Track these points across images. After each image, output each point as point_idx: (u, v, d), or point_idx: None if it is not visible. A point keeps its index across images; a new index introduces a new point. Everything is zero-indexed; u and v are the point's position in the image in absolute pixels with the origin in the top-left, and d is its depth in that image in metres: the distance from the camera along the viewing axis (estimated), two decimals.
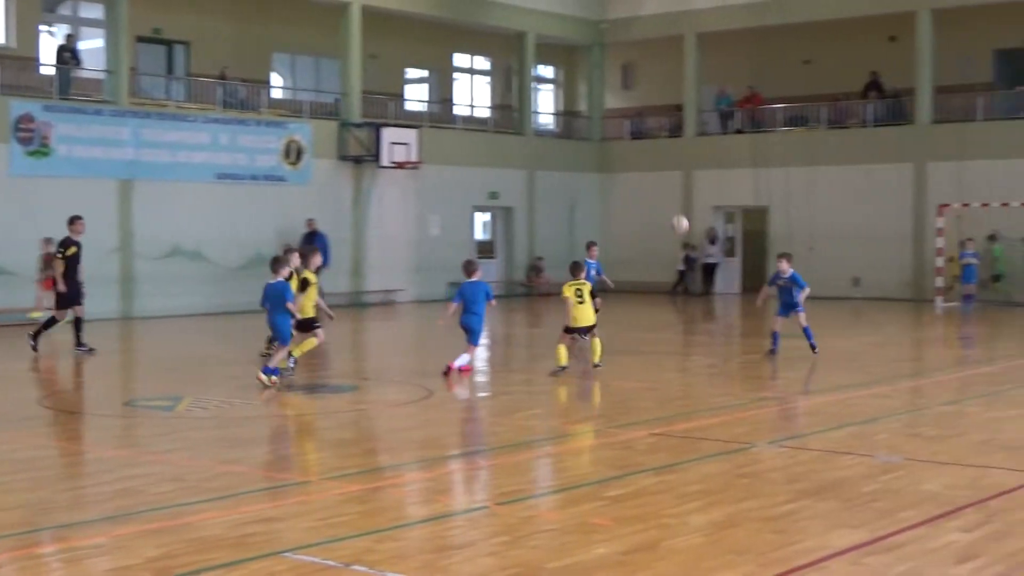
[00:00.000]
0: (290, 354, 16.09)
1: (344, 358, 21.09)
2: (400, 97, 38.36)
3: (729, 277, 38.23)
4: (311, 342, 16.55)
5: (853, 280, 34.37)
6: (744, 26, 38.02)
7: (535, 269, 37.65)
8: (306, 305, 16.28)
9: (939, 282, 32.42)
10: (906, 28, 35.27)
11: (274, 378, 15.10)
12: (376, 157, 32.25)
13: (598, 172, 40.36)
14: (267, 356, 16.02)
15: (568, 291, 16.73)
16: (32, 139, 26.38)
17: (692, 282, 37.73)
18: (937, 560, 7.32)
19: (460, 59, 41.59)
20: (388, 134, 32.48)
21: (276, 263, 15.63)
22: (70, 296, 19.56)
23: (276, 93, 35.36)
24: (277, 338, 15.53)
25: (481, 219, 38.55)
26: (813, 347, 18.73)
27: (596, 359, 16.91)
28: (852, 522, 8.28)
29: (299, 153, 31.53)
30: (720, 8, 38.15)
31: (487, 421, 13.49)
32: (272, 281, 15.35)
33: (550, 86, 44.73)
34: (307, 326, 16.35)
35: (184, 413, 13.37)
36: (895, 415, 13.59)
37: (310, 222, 30.05)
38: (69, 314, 19.63)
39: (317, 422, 13.31)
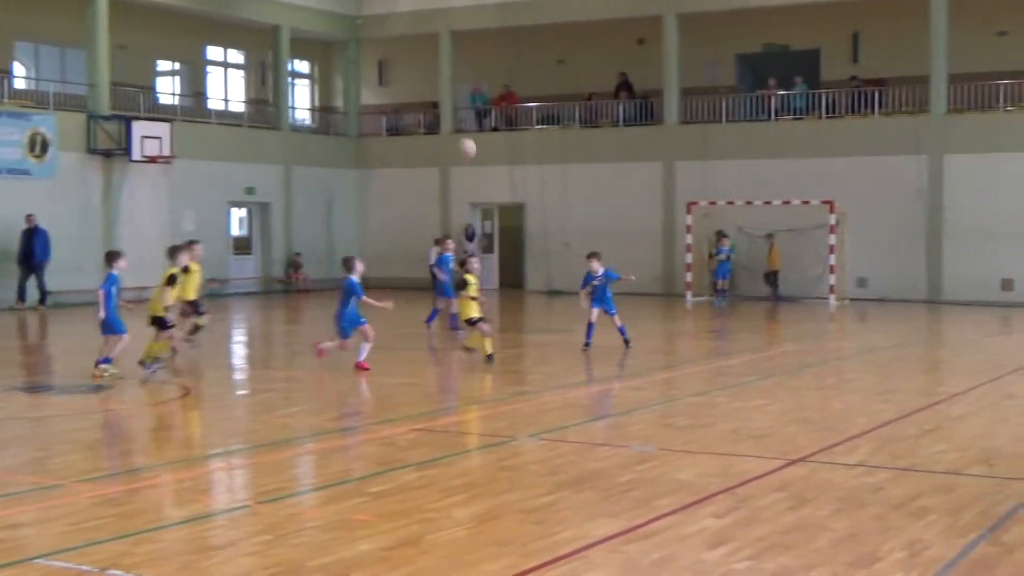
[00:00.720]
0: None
1: (94, 356, 20.39)
2: (151, 90, 37.35)
3: (487, 273, 38.52)
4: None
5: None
6: (498, 25, 38.43)
7: (293, 265, 37.21)
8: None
9: (688, 277, 33.51)
10: (654, 32, 36.29)
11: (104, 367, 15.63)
12: (127, 151, 31.33)
13: (355, 168, 40.19)
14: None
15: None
16: None
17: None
18: (691, 546, 7.56)
19: (213, 52, 40.73)
20: (139, 127, 31.61)
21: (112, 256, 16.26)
22: None
23: (19, 83, 33.95)
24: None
25: (237, 215, 37.89)
26: (627, 342, 19.23)
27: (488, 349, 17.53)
28: (610, 511, 8.48)
29: (44, 146, 30.35)
30: (474, 7, 38.49)
31: (247, 419, 13.26)
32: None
33: (306, 81, 44.28)
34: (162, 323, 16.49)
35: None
36: (649, 406, 13.97)
37: (29, 217, 28.91)
38: None
39: (67, 423, 12.82)
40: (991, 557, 7.34)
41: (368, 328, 16.37)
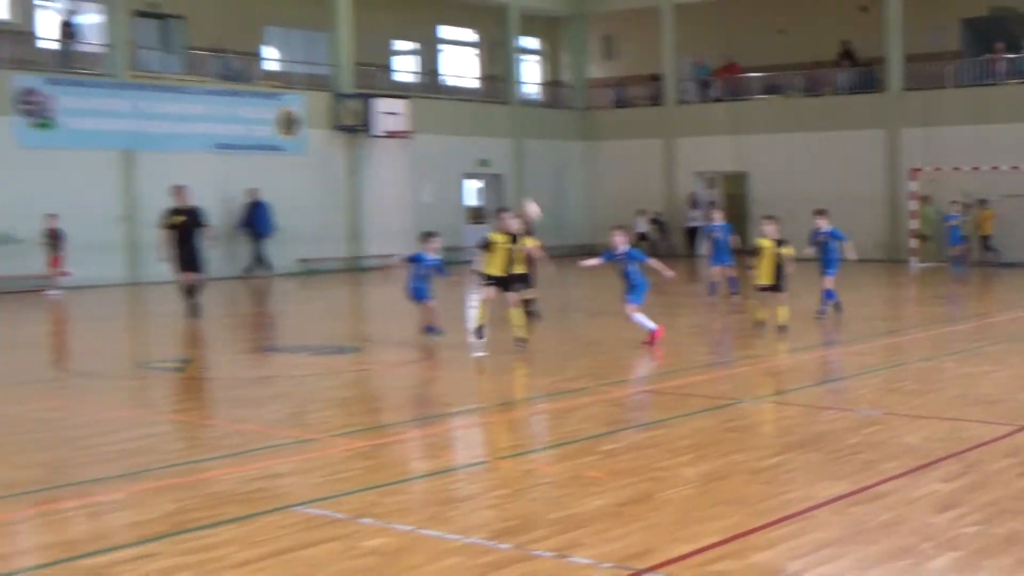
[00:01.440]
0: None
1: (345, 320, 21.10)
2: (389, 68, 38.22)
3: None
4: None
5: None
6: None
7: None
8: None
9: (912, 243, 32.50)
10: None
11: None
12: (368, 127, 32.16)
13: (583, 140, 40.29)
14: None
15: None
16: (35, 111, 26.24)
17: (663, 245, 37.63)
18: (919, 509, 7.38)
19: (446, 31, 41.41)
20: (379, 104, 32.40)
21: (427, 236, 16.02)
22: (182, 262, 18.90)
23: (270, 66, 35.21)
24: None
25: (472, 186, 38.48)
26: (837, 305, 18.66)
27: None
28: (837, 473, 8.34)
29: (294, 123, 31.41)
30: None
31: (487, 380, 13.49)
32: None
33: (535, 57, 44.56)
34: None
35: (194, 374, 13.39)
36: (874, 371, 13.65)
37: (252, 191, 29.59)
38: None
39: (322, 382, 13.32)
40: None
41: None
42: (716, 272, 22.38)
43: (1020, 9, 35.34)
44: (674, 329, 18.81)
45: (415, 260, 15.69)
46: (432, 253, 15.73)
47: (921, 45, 35.21)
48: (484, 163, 36.87)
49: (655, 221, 38.06)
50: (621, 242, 15.36)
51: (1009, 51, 34.04)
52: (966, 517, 7.16)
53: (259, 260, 29.75)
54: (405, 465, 9.11)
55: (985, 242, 32.12)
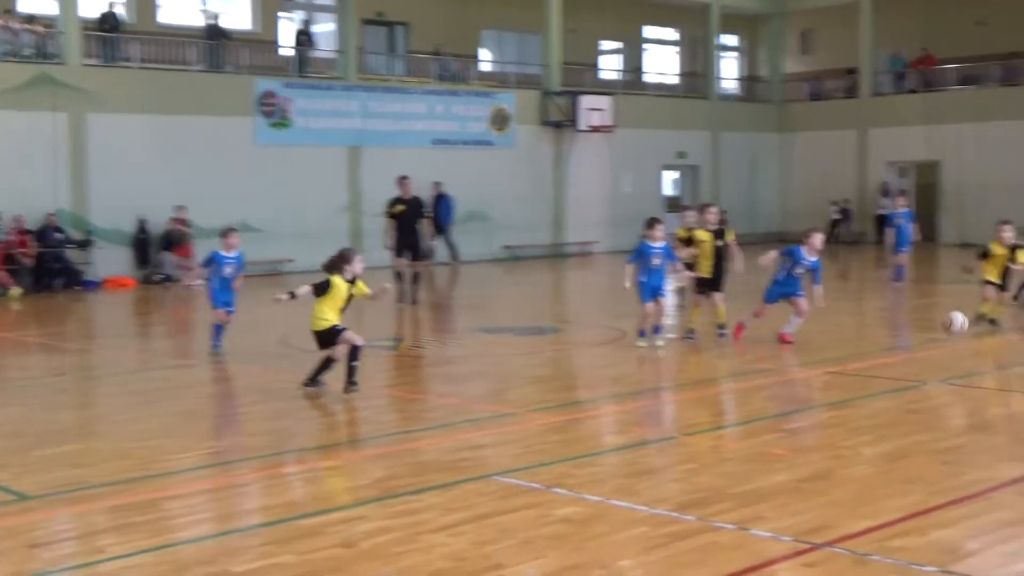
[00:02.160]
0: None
1: (546, 303, 21.22)
2: (595, 67, 38.21)
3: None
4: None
5: (1019, 229, 32.87)
6: None
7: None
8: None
9: None
10: None
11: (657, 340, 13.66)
12: (574, 122, 32.24)
13: (778, 132, 39.48)
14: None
15: None
16: (274, 112, 27.21)
17: (846, 232, 36.69)
18: None
19: (650, 31, 41.14)
20: (585, 101, 32.42)
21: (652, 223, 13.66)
22: (403, 249, 18.54)
23: (485, 66, 35.64)
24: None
25: (669, 177, 38.16)
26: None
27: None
28: (1019, 455, 7.99)
29: (505, 120, 31.72)
30: None
31: (675, 360, 13.35)
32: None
33: (733, 53, 43.87)
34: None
35: (405, 352, 13.67)
36: None
37: (437, 185, 29.10)
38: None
39: (521, 360, 13.42)
40: None
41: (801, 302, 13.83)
42: (901, 258, 21.69)
43: None
44: (859, 314, 18.31)
45: (641, 253, 13.44)
46: (658, 241, 13.47)
47: None
48: (681, 155, 36.52)
49: (843, 210, 37.13)
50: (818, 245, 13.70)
51: None
52: None
53: (451, 247, 29.71)
54: (597, 439, 9.11)
55: None
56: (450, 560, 5.86)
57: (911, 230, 22.09)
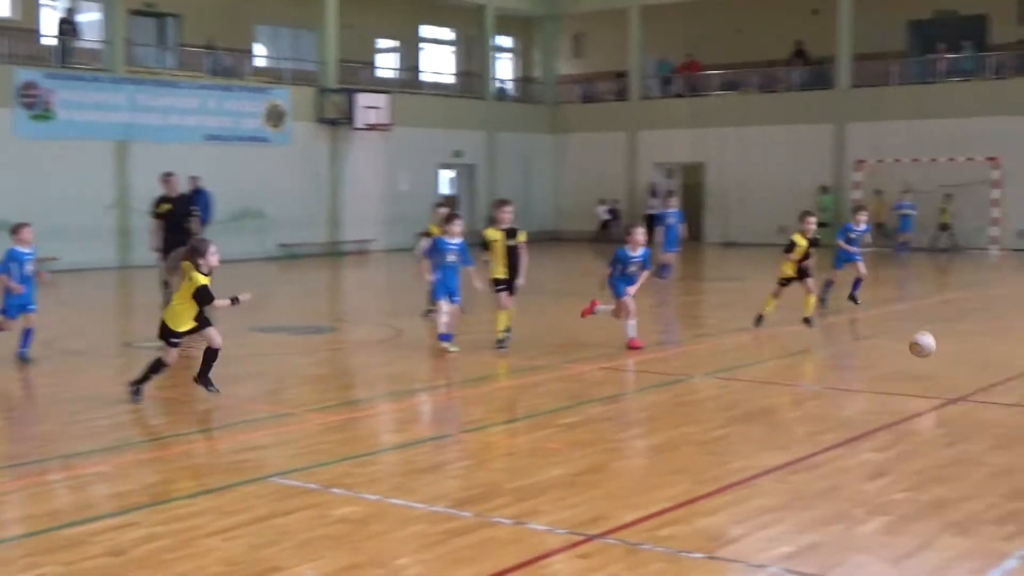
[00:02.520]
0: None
1: (322, 302, 21.01)
2: (372, 65, 38.07)
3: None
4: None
5: (778, 228, 34.50)
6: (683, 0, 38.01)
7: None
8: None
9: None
10: (828, 1, 35.24)
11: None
12: (351, 120, 32.04)
13: (551, 133, 40.23)
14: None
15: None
16: (36, 104, 26.01)
17: (616, 231, 37.85)
18: (853, 477, 7.41)
19: (426, 30, 41.26)
20: (362, 99, 32.26)
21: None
22: (172, 249, 17.57)
23: (259, 62, 35.01)
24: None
25: (446, 176, 38.37)
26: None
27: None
28: (778, 444, 8.36)
29: (280, 116, 31.23)
30: None
31: (451, 357, 13.40)
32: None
33: (508, 55, 44.44)
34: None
35: (177, 352, 13.27)
36: (818, 349, 13.70)
37: (194, 179, 28.12)
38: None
39: (298, 359, 13.24)
40: None
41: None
42: (669, 257, 22.45)
43: (961, 12, 35.43)
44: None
45: (438, 248, 12.95)
46: (456, 237, 12.91)
47: (869, 45, 35.27)
48: (458, 154, 36.78)
49: (611, 210, 38.23)
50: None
51: (950, 52, 34.13)
52: (895, 484, 7.19)
53: None
54: (375, 438, 9.08)
55: (944, 228, 32.13)
56: (225, 565, 5.73)
57: (680, 230, 22.82)
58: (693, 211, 37.48)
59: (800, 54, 37.17)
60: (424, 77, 39.90)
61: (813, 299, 15.08)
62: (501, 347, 13.10)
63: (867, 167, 32.93)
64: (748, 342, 14.35)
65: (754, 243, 33.93)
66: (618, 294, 13.17)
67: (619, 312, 13.24)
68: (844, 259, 17.58)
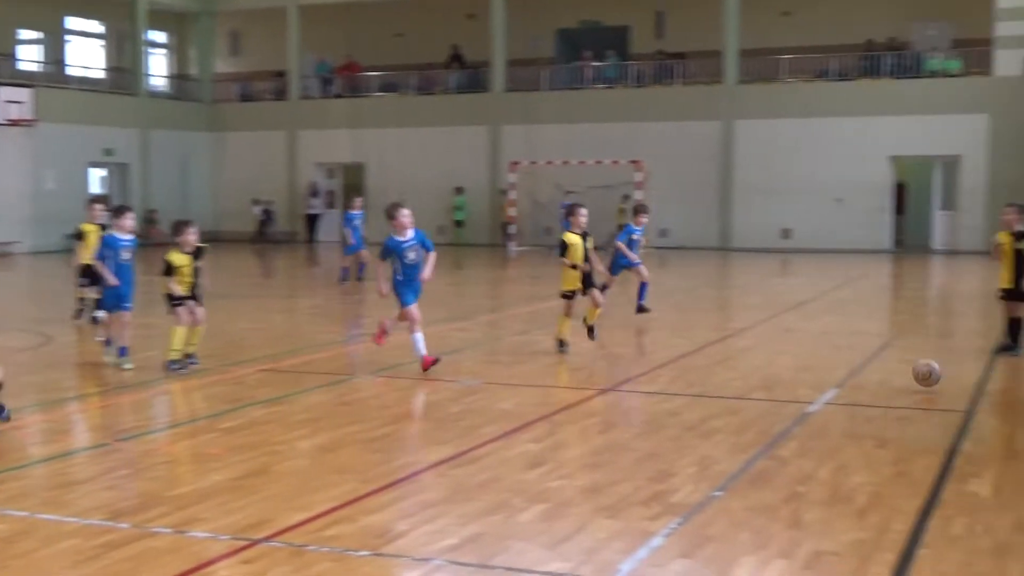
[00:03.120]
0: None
1: None
2: (12, 57, 35.84)
3: (330, 227, 38.27)
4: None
5: (438, 228, 35.19)
6: (341, 0, 37.98)
7: (149, 221, 36.25)
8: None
9: (512, 229, 33.68)
10: (483, 7, 36.21)
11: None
12: None
13: (209, 131, 39.29)
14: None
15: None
16: None
17: (272, 231, 37.71)
18: (512, 467, 7.64)
19: (73, 22, 39.25)
20: (2, 93, 30.36)
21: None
22: None
23: None
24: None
25: (97, 174, 36.68)
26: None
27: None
28: (441, 439, 8.51)
29: None
30: None
31: (100, 365, 12.81)
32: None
33: (162, 50, 42.99)
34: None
35: None
36: (476, 345, 14.04)
37: None
38: None
39: None
40: (769, 470, 7.58)
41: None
42: (350, 259, 22.22)
43: (605, 22, 37.29)
44: (292, 311, 18.69)
45: (109, 244, 11.95)
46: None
47: (521, 51, 36.54)
48: (109, 152, 35.26)
49: (265, 211, 37.94)
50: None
51: (595, 59, 35.86)
52: (553, 472, 7.48)
53: None
54: (22, 451, 8.54)
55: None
56: None
57: (347, 233, 22.33)
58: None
59: (457, 58, 38.01)
60: (72, 71, 37.95)
61: (599, 311, 13.47)
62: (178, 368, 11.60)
63: (521, 168, 34.08)
64: (408, 341, 14.48)
65: (462, 243, 34.60)
66: (404, 302, 11.39)
67: (403, 318, 11.54)
68: (623, 264, 16.15)
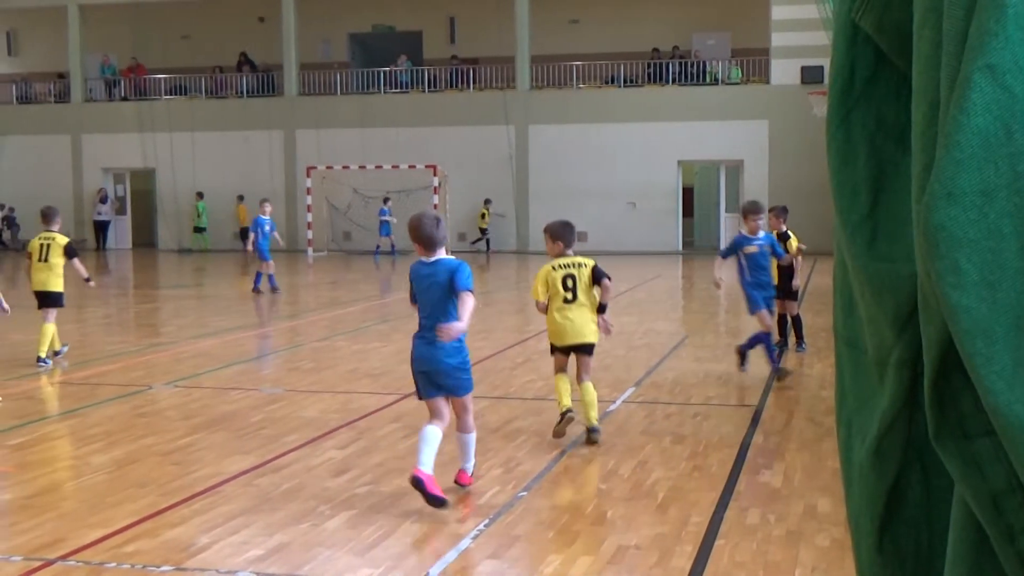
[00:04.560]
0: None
1: None
2: None
3: (121, 234, 37.13)
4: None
5: (234, 234, 34.52)
6: (125, 0, 36.85)
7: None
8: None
9: (310, 234, 33.32)
10: (274, 10, 35.72)
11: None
12: None
13: None
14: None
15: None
16: None
17: (11, 239, 36.58)
18: (317, 475, 7.56)
19: None
20: None
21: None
22: None
23: None
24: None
25: None
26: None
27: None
28: (243, 449, 8.35)
29: None
30: None
31: None
32: None
33: None
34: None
35: None
36: (276, 352, 13.83)
37: None
38: None
39: None
40: (572, 468, 7.73)
41: None
42: (269, 266, 20.93)
43: (399, 28, 37.30)
44: (81, 321, 18.00)
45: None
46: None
47: (314, 55, 36.19)
48: None
49: (6, 218, 36.72)
50: None
51: (388, 64, 35.83)
52: (359, 479, 7.43)
53: None
54: None
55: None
56: None
57: (252, 238, 21.14)
58: (146, 217, 36.60)
59: (248, 62, 37.39)
60: None
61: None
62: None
63: (317, 173, 33.74)
64: (206, 349, 14.20)
65: (214, 249, 33.76)
66: None
67: None
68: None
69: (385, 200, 32.58)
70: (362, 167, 33.25)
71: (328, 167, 33.73)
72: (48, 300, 12.35)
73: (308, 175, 33.64)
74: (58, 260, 12.34)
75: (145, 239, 37.10)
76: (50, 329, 12.37)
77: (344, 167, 33.52)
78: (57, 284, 12.41)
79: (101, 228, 36.46)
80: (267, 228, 20.81)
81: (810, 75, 31.25)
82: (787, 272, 12.65)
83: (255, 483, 7.38)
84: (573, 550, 5.94)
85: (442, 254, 6.88)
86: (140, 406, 10.15)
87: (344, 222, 33.79)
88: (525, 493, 7.04)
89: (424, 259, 6.88)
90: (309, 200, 33.47)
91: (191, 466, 7.88)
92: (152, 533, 6.26)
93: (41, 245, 12.44)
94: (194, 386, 11.16)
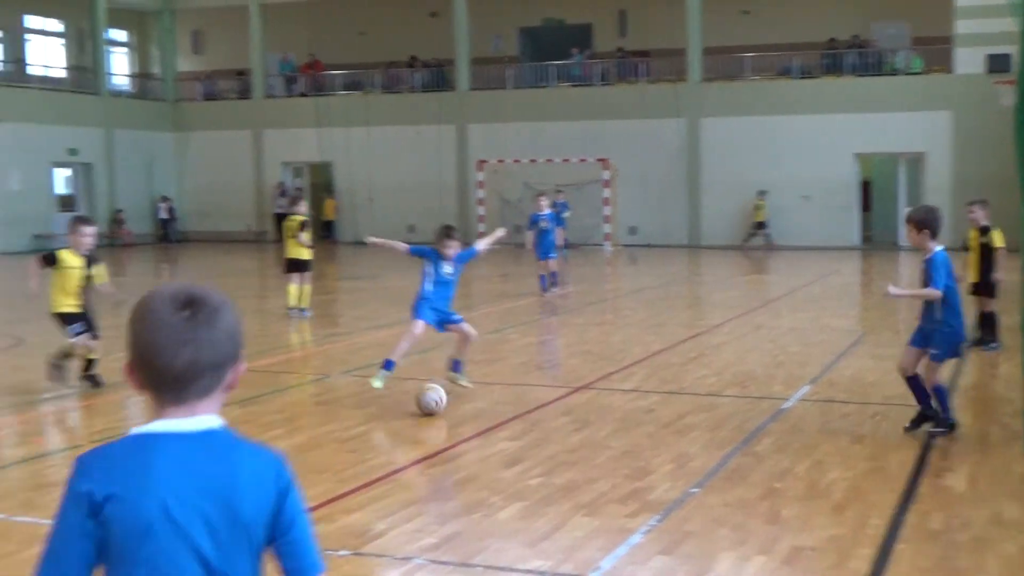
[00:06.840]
0: None
1: None
2: None
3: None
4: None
5: (409, 227, 35.12)
6: None
7: (116, 221, 36.05)
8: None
9: (481, 227, 33.67)
10: (445, 6, 36.19)
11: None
12: None
13: (173, 131, 39.07)
14: None
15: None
16: None
17: (175, 232, 37.76)
18: (490, 466, 7.65)
19: (32, 20, 38.91)
20: None
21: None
22: None
23: None
24: None
25: (62, 174, 36.39)
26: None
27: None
28: (417, 438, 8.51)
29: None
30: None
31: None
32: None
33: (124, 49, 42.68)
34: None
35: None
36: (449, 344, 14.01)
37: None
38: None
39: None
40: (745, 466, 7.64)
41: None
42: (549, 264, 19.54)
43: (569, 20, 37.37)
44: (263, 312, 18.57)
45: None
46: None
47: (485, 50, 36.54)
48: (73, 152, 34.99)
49: (171, 208, 38.07)
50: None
51: (559, 58, 35.92)
52: (530, 471, 7.49)
53: None
54: None
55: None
56: None
57: (556, 234, 20.04)
58: (322, 210, 37.56)
59: (416, 59, 38.01)
60: (32, 70, 37.62)
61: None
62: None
63: (488, 167, 34.08)
64: (382, 340, 14.48)
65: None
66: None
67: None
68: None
69: (558, 192, 32.66)
70: (533, 160, 33.44)
71: (499, 160, 34.03)
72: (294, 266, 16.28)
73: (479, 169, 34.01)
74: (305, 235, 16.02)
75: (321, 231, 38.13)
76: (295, 289, 16.15)
77: (515, 160, 33.78)
78: (301, 253, 16.16)
79: (279, 219, 37.56)
80: (544, 224, 19.25)
81: (997, 64, 30.05)
82: (987, 266, 12.33)
83: (428, 472, 7.52)
84: (746, 549, 5.88)
85: None
86: (318, 394, 10.45)
87: (516, 215, 34.03)
88: (697, 490, 6.99)
89: None
90: (481, 194, 33.84)
91: (367, 454, 8.08)
92: (329, 518, 6.43)
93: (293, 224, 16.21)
94: (370, 376, 11.39)
